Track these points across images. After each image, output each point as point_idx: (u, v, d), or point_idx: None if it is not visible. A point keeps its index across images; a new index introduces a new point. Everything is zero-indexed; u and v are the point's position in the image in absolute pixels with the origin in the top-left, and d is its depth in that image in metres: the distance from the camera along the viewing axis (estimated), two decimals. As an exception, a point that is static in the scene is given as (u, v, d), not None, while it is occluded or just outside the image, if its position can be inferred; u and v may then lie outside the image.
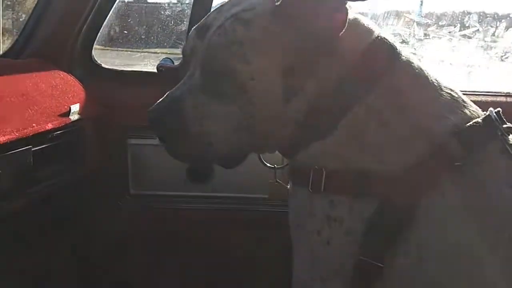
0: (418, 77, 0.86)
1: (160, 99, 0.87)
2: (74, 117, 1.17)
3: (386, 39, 0.87)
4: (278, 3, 0.82)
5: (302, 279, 0.89)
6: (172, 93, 0.87)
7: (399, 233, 0.78)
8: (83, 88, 1.30)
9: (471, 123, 0.82)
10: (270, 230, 1.25)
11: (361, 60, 0.85)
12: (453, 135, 0.80)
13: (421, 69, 0.87)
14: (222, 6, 0.88)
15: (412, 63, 0.86)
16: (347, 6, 0.78)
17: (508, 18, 1.86)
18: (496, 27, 1.85)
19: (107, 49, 1.89)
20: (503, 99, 1.43)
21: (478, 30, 1.81)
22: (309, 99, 0.84)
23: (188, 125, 0.84)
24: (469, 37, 1.81)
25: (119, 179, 1.42)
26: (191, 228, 1.43)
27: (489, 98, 1.40)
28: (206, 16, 0.88)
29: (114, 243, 1.42)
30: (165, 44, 2.02)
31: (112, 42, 1.89)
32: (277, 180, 1.05)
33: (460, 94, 0.87)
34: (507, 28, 1.83)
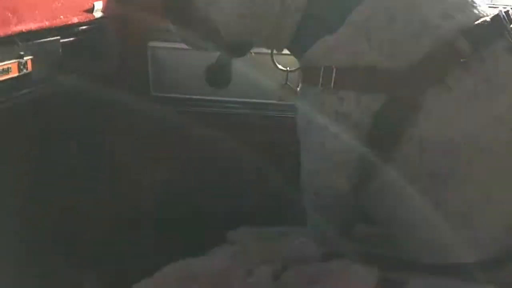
0: None
1: None
2: (97, 14, 1.22)
3: None
4: None
5: (308, 169, 0.97)
6: None
7: (405, 126, 0.84)
8: (104, -12, 1.34)
9: (479, 21, 0.86)
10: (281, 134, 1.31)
11: None
12: (460, 33, 0.84)
13: None
14: None
15: None
16: None
17: None
18: None
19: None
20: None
21: None
22: None
23: (196, 11, 0.91)
24: None
25: (140, 80, 1.49)
26: (210, 130, 1.51)
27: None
28: None
29: (134, 141, 1.52)
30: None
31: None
32: (288, 83, 1.11)
33: None
34: None
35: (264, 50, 1.07)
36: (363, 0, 0.86)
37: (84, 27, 1.18)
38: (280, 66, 1.11)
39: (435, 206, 0.84)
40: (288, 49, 1.00)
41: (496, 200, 0.83)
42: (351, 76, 0.87)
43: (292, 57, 1.05)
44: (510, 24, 0.86)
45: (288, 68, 1.10)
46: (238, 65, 1.08)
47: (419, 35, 0.84)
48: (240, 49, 0.99)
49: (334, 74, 0.87)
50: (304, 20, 0.90)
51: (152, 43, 1.45)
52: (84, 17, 1.17)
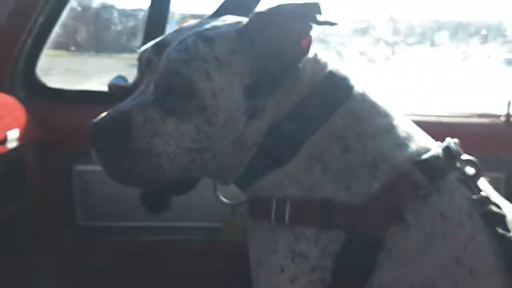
0: (375, 106, 0.89)
1: (105, 112, 0.84)
2: (11, 144, 1.15)
3: (340, 72, 0.90)
4: (244, 24, 0.84)
5: None
6: (120, 106, 0.84)
7: (370, 267, 0.80)
8: (24, 110, 1.28)
9: (432, 153, 0.86)
10: (231, 261, 1.24)
11: (320, 87, 0.88)
12: (414, 164, 0.84)
13: (376, 99, 0.90)
14: (181, 27, 0.89)
15: (367, 93, 0.90)
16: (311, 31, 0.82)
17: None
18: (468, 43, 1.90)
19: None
20: (476, 120, 1.47)
21: (448, 47, 1.85)
22: (270, 120, 0.86)
23: (135, 141, 0.81)
24: (439, 55, 1.85)
25: (65, 209, 1.40)
26: (147, 262, 1.41)
27: (460, 120, 1.44)
28: (163, 36, 0.89)
29: (61, 279, 1.40)
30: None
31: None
32: (233, 218, 1.06)
33: (413, 124, 0.92)
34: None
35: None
36: (316, 130, 0.85)
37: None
38: (224, 200, 1.06)
39: None
40: (235, 183, 0.95)
41: None
42: (307, 210, 0.82)
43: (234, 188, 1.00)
44: (460, 155, 0.88)
45: (232, 202, 1.06)
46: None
47: (375, 166, 0.83)
48: (184, 186, 0.93)
49: (288, 207, 0.82)
50: (258, 153, 0.87)
51: (78, 167, 1.38)
52: (-5, 151, 1.09)
